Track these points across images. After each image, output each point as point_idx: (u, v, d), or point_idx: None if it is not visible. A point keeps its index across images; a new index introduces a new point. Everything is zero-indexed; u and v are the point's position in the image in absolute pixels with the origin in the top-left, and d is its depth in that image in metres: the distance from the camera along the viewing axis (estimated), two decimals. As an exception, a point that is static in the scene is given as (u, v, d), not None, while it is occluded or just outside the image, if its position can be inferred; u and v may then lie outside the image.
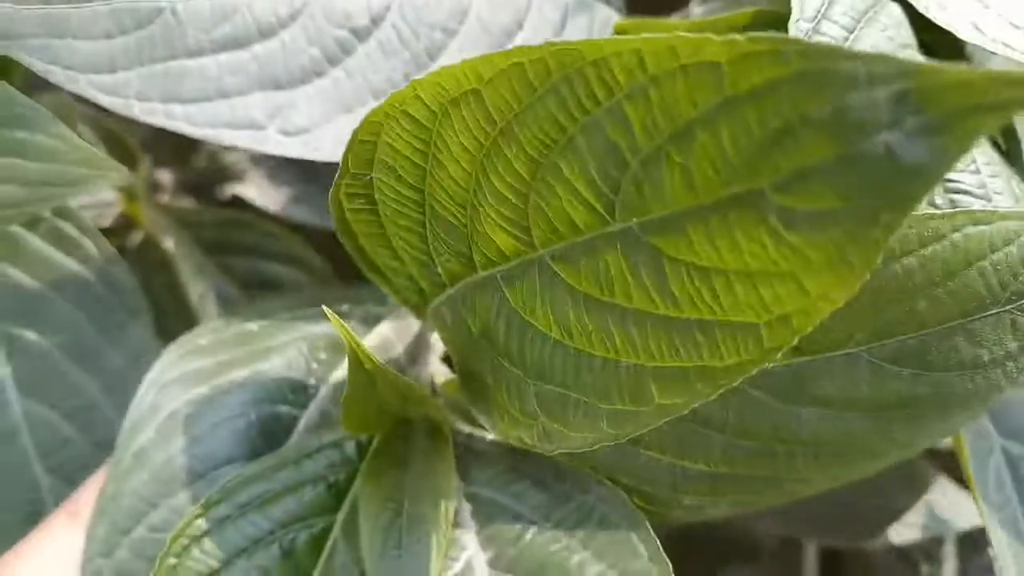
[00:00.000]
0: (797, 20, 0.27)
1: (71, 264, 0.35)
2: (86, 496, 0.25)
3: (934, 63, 0.13)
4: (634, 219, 0.18)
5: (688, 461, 0.24)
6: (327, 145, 0.30)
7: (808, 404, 0.23)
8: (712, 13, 0.35)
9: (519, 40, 0.34)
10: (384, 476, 0.24)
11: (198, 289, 0.41)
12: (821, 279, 0.15)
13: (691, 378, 0.18)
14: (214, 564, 0.24)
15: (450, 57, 0.33)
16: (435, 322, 0.25)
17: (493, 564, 0.24)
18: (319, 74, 0.32)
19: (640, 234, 0.18)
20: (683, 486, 0.25)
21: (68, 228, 0.35)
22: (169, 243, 0.42)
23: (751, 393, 0.23)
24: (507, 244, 0.21)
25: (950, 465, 0.41)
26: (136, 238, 0.44)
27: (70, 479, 0.32)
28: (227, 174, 0.47)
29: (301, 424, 0.27)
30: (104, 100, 0.30)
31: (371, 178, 0.22)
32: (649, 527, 0.24)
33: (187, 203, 0.46)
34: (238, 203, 0.44)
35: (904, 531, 0.39)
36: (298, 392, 0.27)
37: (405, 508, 0.24)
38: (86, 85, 0.30)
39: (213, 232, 0.43)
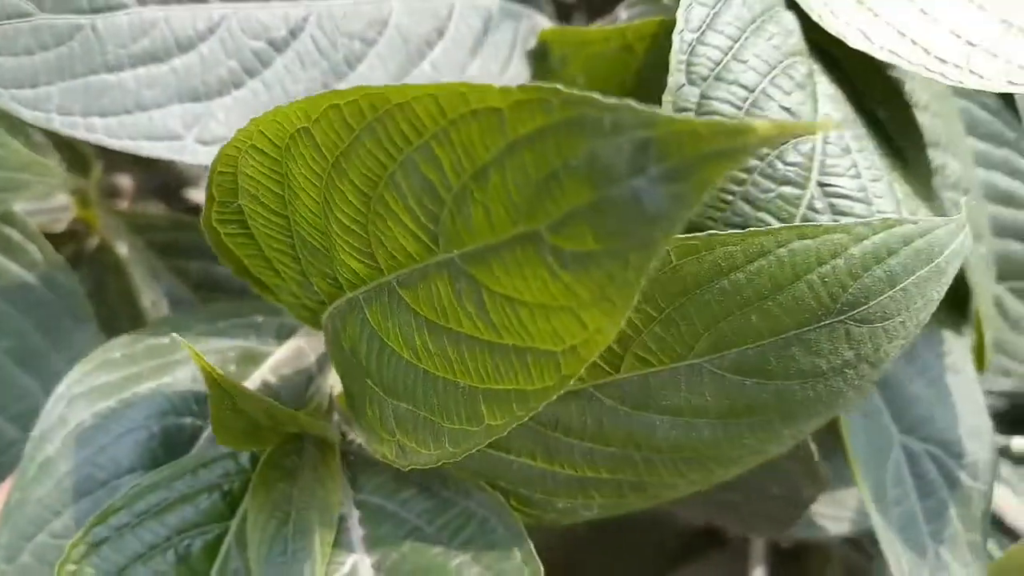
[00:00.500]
0: (681, 31, 0.27)
1: (15, 269, 0.36)
2: None
3: (670, 115, 0.14)
4: (454, 250, 0.19)
5: (556, 466, 0.25)
6: None
7: (659, 412, 0.24)
8: (635, 18, 0.36)
9: (439, 50, 0.35)
10: (273, 486, 0.25)
11: (151, 294, 0.42)
12: (591, 314, 0.16)
13: (511, 399, 0.19)
14: (111, 570, 0.25)
15: (369, 66, 0.34)
16: (325, 336, 0.26)
17: (377, 568, 0.26)
18: (237, 85, 0.33)
19: (460, 264, 0.19)
20: (554, 490, 0.25)
21: (13, 233, 0.36)
22: (123, 248, 0.43)
23: (605, 402, 0.24)
24: (359, 268, 0.22)
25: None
26: (92, 243, 0.45)
27: (14, 480, 0.33)
28: (185, 177, 0.48)
29: (204, 435, 0.28)
30: (26, 114, 0.31)
31: (238, 205, 0.23)
32: (523, 530, 0.25)
33: (151, 207, 0.47)
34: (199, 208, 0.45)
35: (836, 525, 0.40)
36: (202, 404, 0.28)
37: (292, 517, 0.25)
38: (8, 100, 0.31)
39: (167, 235, 0.44)
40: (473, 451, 0.26)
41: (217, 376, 0.22)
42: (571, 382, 0.17)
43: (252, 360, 0.30)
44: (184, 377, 0.28)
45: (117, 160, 0.49)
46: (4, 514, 0.26)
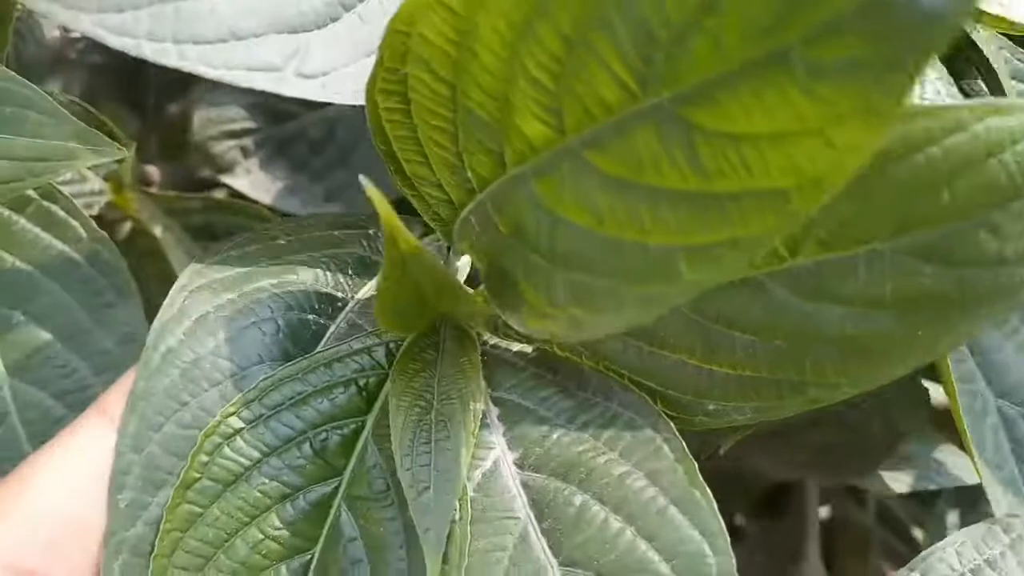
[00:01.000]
0: None
1: (60, 246, 0.35)
2: (115, 396, 0.26)
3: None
4: (665, 92, 0.18)
5: (714, 364, 0.24)
6: (347, 87, 0.30)
7: (831, 302, 0.23)
8: None
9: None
10: (413, 377, 0.25)
11: None
12: (849, 129, 0.16)
13: (721, 250, 0.18)
14: (246, 462, 0.24)
15: None
16: (462, 235, 0.26)
17: (520, 464, 0.25)
18: (334, 18, 0.31)
19: (671, 107, 0.18)
20: (708, 390, 0.25)
21: (56, 210, 0.35)
22: (158, 231, 0.43)
23: (775, 293, 0.23)
24: (538, 134, 0.21)
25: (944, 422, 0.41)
26: (125, 228, 0.44)
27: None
28: (217, 165, 0.48)
29: (330, 333, 0.27)
30: (113, 41, 0.30)
31: (404, 73, 0.22)
32: (674, 428, 0.24)
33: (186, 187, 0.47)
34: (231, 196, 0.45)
35: (899, 483, 0.39)
36: (325, 304, 0.27)
37: (434, 407, 0.24)
38: (91, 25, 0.30)
39: (201, 218, 0.44)
40: (631, 344, 0.25)
41: (396, 228, 0.21)
42: (799, 219, 0.17)
43: (368, 268, 0.29)
44: (307, 278, 0.28)
45: (146, 150, 0.48)
46: (130, 404, 0.25)
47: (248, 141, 0.48)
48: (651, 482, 0.24)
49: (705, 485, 0.24)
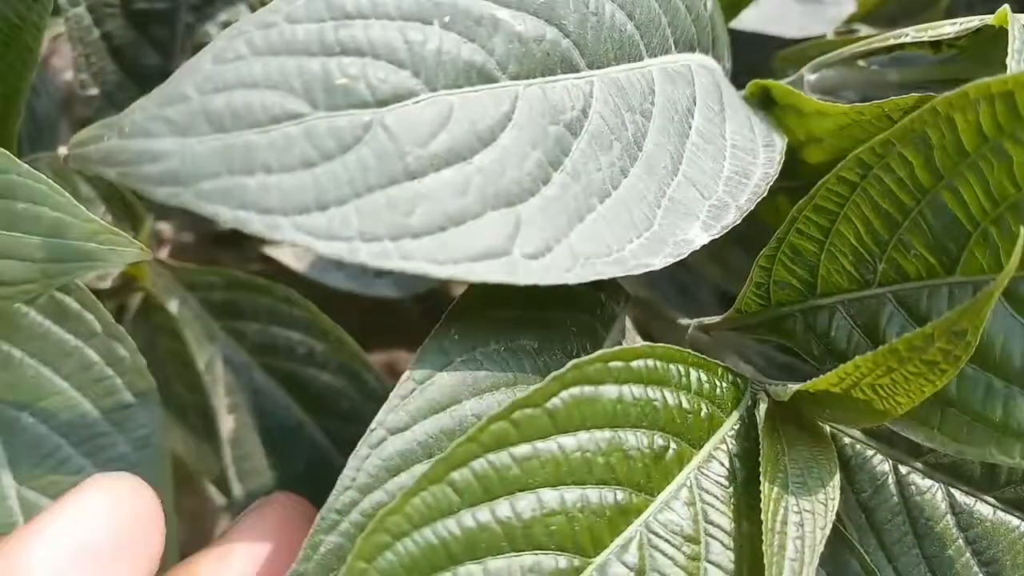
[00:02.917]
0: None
1: (73, 341, 0.32)
2: None
3: None
4: None
5: None
6: (570, 266, 0.27)
7: None
8: (825, 82, 0.36)
9: (698, 117, 0.32)
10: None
11: (205, 355, 0.38)
12: None
13: None
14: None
15: (654, 143, 0.31)
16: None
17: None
18: (545, 181, 0.28)
19: None
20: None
21: (70, 303, 0.33)
22: (173, 306, 0.39)
23: None
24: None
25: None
26: (137, 299, 0.39)
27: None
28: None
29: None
30: (322, 248, 0.26)
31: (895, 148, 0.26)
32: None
33: (217, 256, 0.39)
34: (266, 259, 0.39)
35: None
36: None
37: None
38: (292, 230, 0.25)
39: (222, 295, 0.40)
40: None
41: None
42: None
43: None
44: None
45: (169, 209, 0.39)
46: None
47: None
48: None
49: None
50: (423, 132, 0.26)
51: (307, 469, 0.39)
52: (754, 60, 0.42)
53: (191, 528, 0.44)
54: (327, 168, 0.25)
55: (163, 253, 0.43)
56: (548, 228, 0.28)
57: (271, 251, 0.42)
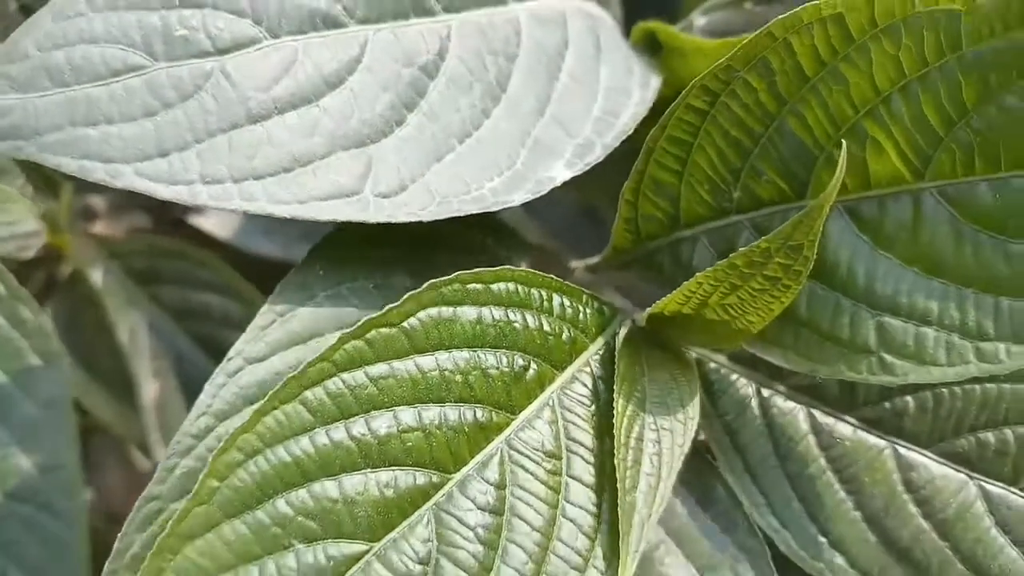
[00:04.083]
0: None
1: None
2: None
3: None
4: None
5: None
6: (427, 203, 0.28)
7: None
8: (713, 24, 0.36)
9: (570, 59, 0.32)
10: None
11: (128, 324, 0.39)
12: None
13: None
14: None
15: (519, 83, 0.31)
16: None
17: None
18: (399, 123, 0.29)
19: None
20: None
21: None
22: (97, 276, 0.39)
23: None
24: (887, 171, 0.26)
25: None
26: (64, 271, 0.40)
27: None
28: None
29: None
30: (164, 192, 0.26)
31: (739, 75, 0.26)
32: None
33: (140, 221, 0.40)
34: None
35: None
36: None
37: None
38: (136, 176, 0.26)
39: (144, 261, 0.40)
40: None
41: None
42: None
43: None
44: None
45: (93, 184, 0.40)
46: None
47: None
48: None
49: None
50: (265, 77, 0.27)
51: (231, 430, 0.40)
52: (671, 10, 0.42)
53: (119, 494, 0.45)
54: (168, 116, 0.26)
55: (98, 227, 0.44)
56: (403, 167, 0.28)
57: (196, 220, 0.42)
